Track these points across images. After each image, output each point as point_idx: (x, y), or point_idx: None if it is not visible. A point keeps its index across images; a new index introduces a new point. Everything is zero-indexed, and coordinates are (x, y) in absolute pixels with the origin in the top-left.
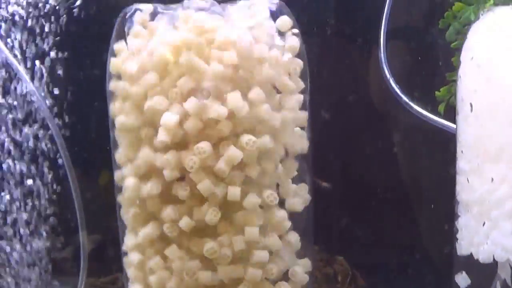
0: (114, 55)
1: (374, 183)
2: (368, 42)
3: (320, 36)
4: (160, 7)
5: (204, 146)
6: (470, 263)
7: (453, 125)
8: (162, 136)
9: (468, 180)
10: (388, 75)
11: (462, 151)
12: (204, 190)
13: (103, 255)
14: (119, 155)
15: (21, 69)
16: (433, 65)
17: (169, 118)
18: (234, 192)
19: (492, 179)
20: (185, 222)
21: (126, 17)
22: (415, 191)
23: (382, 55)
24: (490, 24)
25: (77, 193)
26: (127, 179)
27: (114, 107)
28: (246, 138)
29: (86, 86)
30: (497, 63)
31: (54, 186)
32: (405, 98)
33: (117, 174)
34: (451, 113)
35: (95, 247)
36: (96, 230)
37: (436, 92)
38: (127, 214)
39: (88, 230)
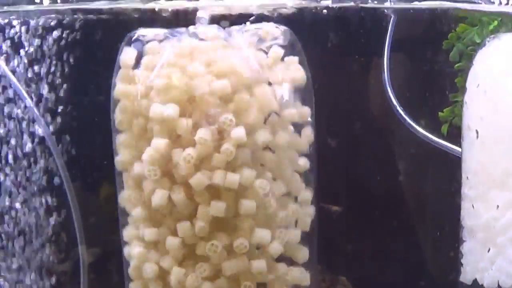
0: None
1: (378, 203)
2: (370, 61)
3: (321, 55)
4: (165, 31)
5: (204, 134)
6: None
7: (457, 148)
8: (145, 156)
9: (473, 206)
10: (392, 98)
11: (467, 177)
12: (197, 184)
13: (102, 269)
14: (127, 232)
15: (19, 86)
16: (436, 86)
17: (159, 143)
18: (233, 178)
19: (498, 206)
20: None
21: (131, 42)
22: (420, 212)
23: (386, 76)
24: (496, 51)
25: (75, 207)
26: (133, 248)
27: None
28: (223, 117)
29: (90, 108)
30: (504, 90)
31: (53, 199)
32: (409, 121)
33: (125, 251)
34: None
35: (94, 260)
36: (95, 243)
37: (440, 113)
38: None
39: (87, 244)
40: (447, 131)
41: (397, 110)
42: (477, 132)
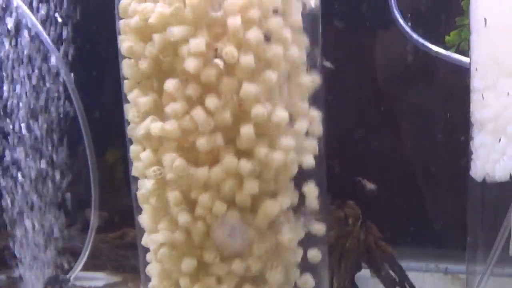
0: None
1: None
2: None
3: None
4: None
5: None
6: (485, 189)
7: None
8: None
9: (482, 96)
10: (398, 16)
11: (476, 69)
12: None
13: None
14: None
15: (49, 40)
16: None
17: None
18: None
19: (508, 93)
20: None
21: None
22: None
23: None
24: None
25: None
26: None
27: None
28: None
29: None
30: None
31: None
32: (415, 36)
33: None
34: None
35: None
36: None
37: (446, 37)
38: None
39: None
40: None
41: (402, 25)
42: (485, 20)
